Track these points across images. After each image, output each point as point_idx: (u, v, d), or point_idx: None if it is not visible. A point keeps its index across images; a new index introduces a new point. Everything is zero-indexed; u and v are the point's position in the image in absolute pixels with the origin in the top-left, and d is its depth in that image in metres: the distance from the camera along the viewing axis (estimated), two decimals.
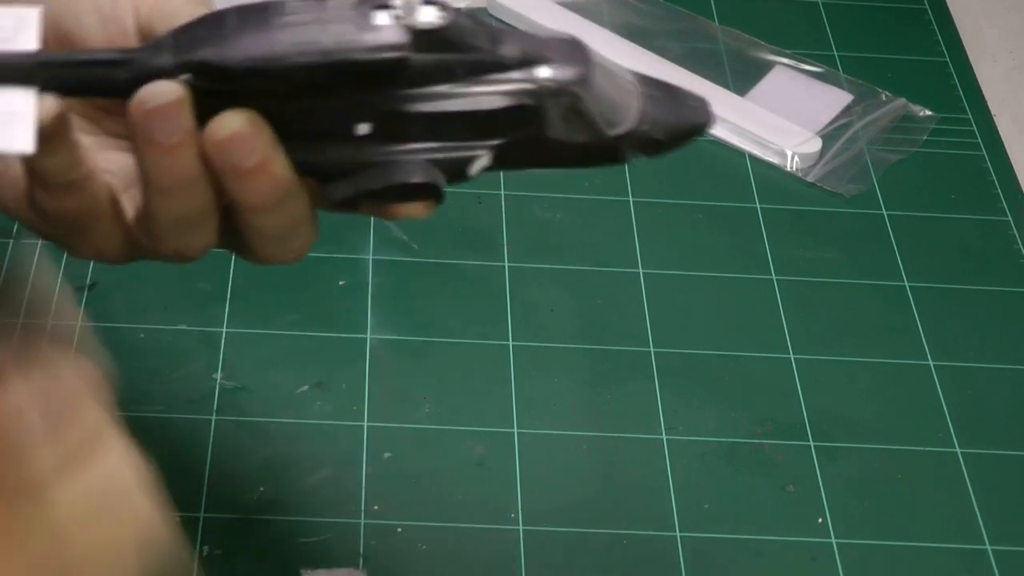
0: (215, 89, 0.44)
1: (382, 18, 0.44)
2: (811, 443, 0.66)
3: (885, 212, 0.77)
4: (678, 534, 0.62)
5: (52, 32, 0.48)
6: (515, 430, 0.65)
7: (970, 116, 0.84)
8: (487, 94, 0.45)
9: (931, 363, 0.70)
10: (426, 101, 0.45)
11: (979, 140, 0.82)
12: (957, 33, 0.89)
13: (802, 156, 0.79)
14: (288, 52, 0.43)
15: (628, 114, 0.47)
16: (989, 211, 0.78)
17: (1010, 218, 0.78)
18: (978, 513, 0.64)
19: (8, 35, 0.43)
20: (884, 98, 0.84)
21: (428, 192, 0.46)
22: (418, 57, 0.44)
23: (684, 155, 0.79)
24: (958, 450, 0.66)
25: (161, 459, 0.62)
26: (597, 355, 0.68)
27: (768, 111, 0.81)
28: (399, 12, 0.44)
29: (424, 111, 0.45)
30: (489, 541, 0.61)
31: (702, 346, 0.69)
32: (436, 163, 0.46)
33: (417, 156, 0.45)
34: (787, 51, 0.86)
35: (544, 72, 0.45)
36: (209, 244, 0.47)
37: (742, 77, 0.84)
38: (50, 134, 0.43)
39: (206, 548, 0.59)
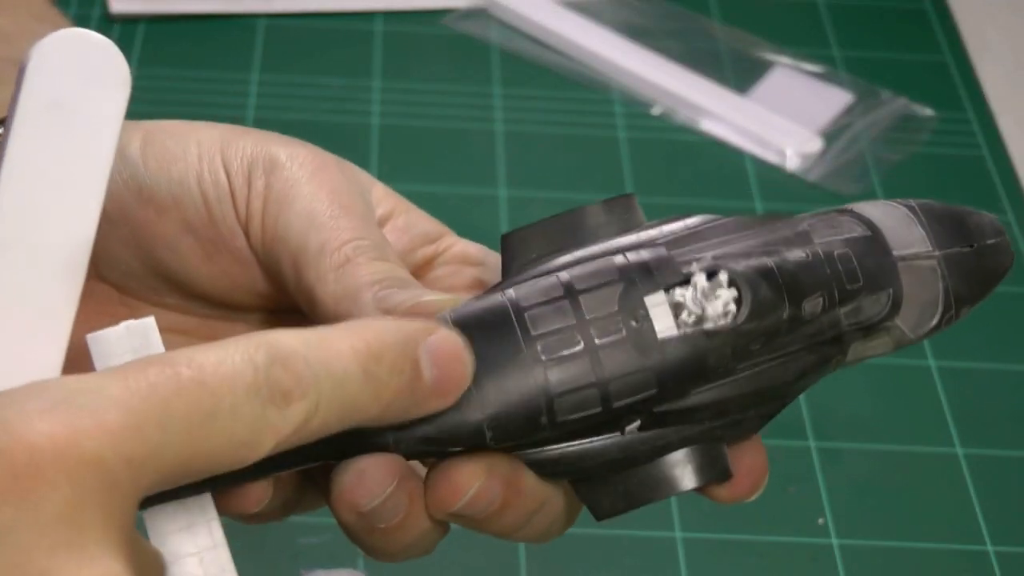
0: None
1: (662, 320, 0.35)
2: (811, 443, 0.66)
3: None
4: (678, 534, 0.61)
5: (141, 264, 0.39)
6: None
7: (971, 116, 0.84)
8: (787, 362, 0.37)
9: (931, 363, 0.70)
10: (713, 390, 0.36)
11: (980, 140, 0.82)
12: (958, 32, 0.89)
13: (803, 156, 0.79)
14: (556, 410, 0.35)
15: (935, 308, 0.39)
16: (990, 211, 0.78)
17: (1011, 218, 0.77)
18: (979, 514, 0.64)
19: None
20: (885, 98, 0.84)
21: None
22: (713, 356, 0.36)
23: (684, 154, 0.79)
24: (959, 450, 0.66)
25: None
26: None
27: (768, 111, 0.81)
28: (687, 309, 0.36)
29: (708, 400, 0.36)
30: (490, 541, 0.61)
31: None
32: (712, 438, 0.37)
33: (691, 434, 0.37)
34: (787, 51, 0.86)
35: (857, 317, 0.37)
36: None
37: (742, 77, 0.84)
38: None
39: None
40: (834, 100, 0.83)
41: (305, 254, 0.37)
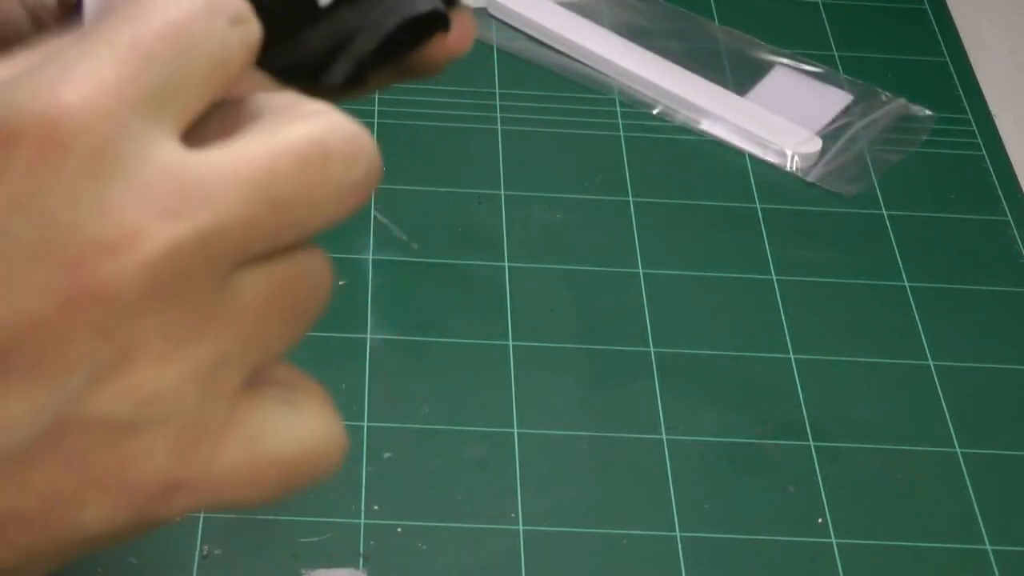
0: None
1: None
2: (811, 443, 0.66)
3: (885, 212, 0.77)
4: (678, 534, 0.62)
5: None
6: (515, 430, 0.65)
7: (970, 116, 0.84)
8: None
9: (931, 363, 0.70)
10: None
11: (979, 140, 0.82)
12: (957, 33, 0.90)
13: (802, 156, 0.79)
14: None
15: None
16: (989, 211, 0.78)
17: (1010, 218, 0.78)
18: (978, 513, 0.64)
19: None
20: (884, 98, 0.84)
21: (432, 24, 0.38)
22: None
23: (684, 155, 0.80)
24: (958, 450, 0.66)
25: None
26: (597, 355, 0.68)
27: (768, 111, 0.81)
28: None
29: None
30: (489, 541, 0.61)
31: (702, 346, 0.69)
32: None
33: None
34: (787, 51, 0.86)
35: None
36: None
37: (742, 77, 0.84)
38: None
39: (206, 548, 0.59)
40: (833, 100, 0.83)
41: None
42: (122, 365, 0.30)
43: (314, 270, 0.36)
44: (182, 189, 0.30)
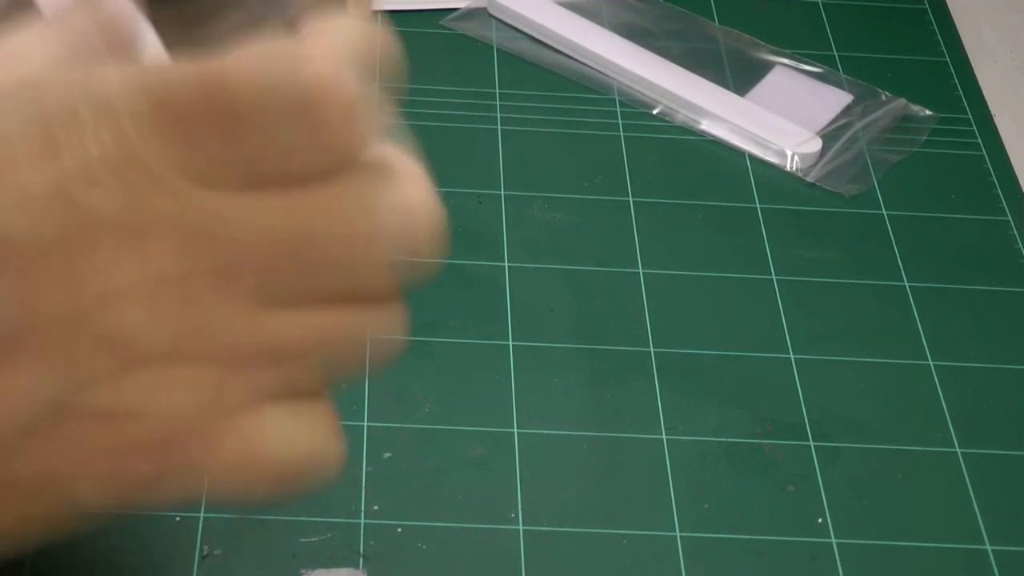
0: None
1: None
2: (811, 443, 0.66)
3: (885, 212, 0.77)
4: (678, 534, 0.62)
5: None
6: (515, 430, 0.65)
7: (970, 116, 0.84)
8: None
9: (931, 363, 0.70)
10: None
11: (979, 140, 0.82)
12: (957, 33, 0.90)
13: (802, 156, 0.79)
14: None
15: None
16: (989, 211, 0.78)
17: (1010, 218, 0.78)
18: (978, 513, 0.64)
19: None
20: (884, 98, 0.84)
21: None
22: None
23: (684, 155, 0.80)
24: (958, 450, 0.66)
25: None
26: (597, 355, 0.68)
27: (768, 111, 0.81)
28: None
29: None
30: (489, 541, 0.61)
31: (702, 346, 0.69)
32: None
33: None
34: (787, 51, 0.86)
35: None
36: None
37: (742, 77, 0.84)
38: None
39: (206, 548, 0.59)
40: (833, 100, 0.83)
41: None
42: (128, 366, 0.31)
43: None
44: None
